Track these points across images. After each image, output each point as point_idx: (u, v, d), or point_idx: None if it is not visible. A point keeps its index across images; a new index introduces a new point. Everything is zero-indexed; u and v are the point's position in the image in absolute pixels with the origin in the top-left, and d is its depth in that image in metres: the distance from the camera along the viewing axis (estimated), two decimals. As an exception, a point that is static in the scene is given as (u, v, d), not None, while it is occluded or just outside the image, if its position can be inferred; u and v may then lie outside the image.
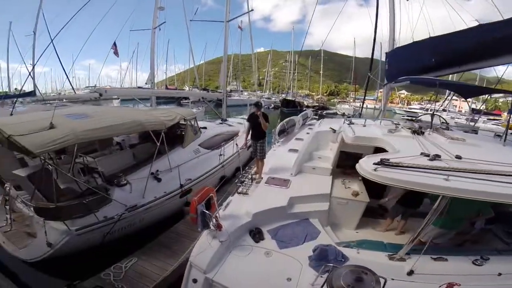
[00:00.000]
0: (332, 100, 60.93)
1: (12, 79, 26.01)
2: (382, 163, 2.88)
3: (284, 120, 9.24)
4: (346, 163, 5.87)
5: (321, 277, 2.62)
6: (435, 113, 5.73)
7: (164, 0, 13.65)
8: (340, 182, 5.21)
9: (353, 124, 5.25)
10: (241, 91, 35.46)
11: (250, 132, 5.58)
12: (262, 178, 5.24)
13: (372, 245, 3.55)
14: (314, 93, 58.41)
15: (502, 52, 4.14)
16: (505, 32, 4.02)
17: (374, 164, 2.94)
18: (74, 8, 8.04)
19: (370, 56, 7.44)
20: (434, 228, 3.67)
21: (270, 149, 7.86)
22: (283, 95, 41.92)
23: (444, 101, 14.62)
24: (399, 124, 5.21)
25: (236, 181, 5.03)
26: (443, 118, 6.08)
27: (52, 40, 7.93)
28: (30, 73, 10.26)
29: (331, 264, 2.57)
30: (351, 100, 38.27)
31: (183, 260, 4.17)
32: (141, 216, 5.15)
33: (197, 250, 3.19)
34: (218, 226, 3.25)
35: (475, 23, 5.23)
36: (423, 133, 4.56)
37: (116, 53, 15.26)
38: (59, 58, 9.57)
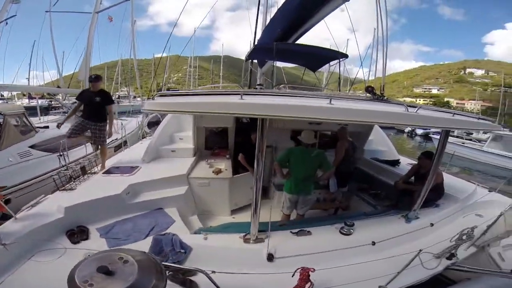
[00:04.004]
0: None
1: None
2: (164, 94, 2.21)
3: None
4: (215, 144, 5.33)
5: None
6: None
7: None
8: (204, 163, 4.54)
9: None
10: (134, 97, 31.96)
11: (87, 113, 4.39)
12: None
13: (236, 227, 2.89)
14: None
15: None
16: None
17: (158, 96, 2.26)
18: None
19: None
20: (287, 195, 3.41)
21: (137, 142, 6.87)
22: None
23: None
24: None
25: (55, 175, 3.68)
26: None
27: None
28: None
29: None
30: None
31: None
32: None
33: None
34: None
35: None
36: None
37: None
38: None
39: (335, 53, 4.64)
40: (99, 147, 4.46)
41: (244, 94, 1.75)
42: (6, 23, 11.81)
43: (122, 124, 8.89)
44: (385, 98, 2.24)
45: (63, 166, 5.81)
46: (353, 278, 2.03)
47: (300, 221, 3.38)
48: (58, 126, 4.69)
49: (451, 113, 2.26)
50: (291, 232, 2.52)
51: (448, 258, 2.14)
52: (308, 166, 3.24)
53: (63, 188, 3.46)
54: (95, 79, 4.32)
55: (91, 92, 4.31)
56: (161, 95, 2.12)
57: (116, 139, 7.36)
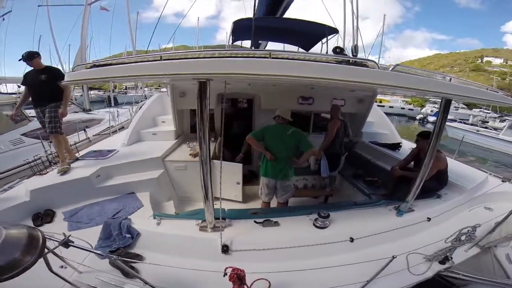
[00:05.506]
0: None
1: None
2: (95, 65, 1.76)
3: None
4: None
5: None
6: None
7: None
8: (186, 146, 4.32)
9: None
10: (141, 87, 31.82)
11: (35, 97, 3.69)
12: (77, 157, 3.86)
13: (202, 214, 2.54)
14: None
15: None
16: None
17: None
18: None
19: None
20: (264, 179, 3.15)
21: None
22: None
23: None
24: None
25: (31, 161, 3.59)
26: None
27: None
28: None
29: None
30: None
31: None
32: None
33: None
34: None
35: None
36: None
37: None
38: None
39: (323, 28, 4.00)
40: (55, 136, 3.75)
41: (164, 59, 1.40)
42: (3, 19, 12.05)
43: (117, 111, 8.88)
44: (357, 60, 1.54)
45: (51, 153, 5.88)
46: (318, 283, 1.68)
47: (274, 210, 3.11)
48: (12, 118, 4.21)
49: (448, 77, 1.74)
50: (255, 221, 2.20)
51: (441, 262, 1.74)
52: (284, 145, 2.94)
53: (40, 173, 3.41)
54: (27, 57, 3.47)
55: (35, 71, 3.59)
56: (93, 66, 1.74)
57: (112, 126, 7.30)
